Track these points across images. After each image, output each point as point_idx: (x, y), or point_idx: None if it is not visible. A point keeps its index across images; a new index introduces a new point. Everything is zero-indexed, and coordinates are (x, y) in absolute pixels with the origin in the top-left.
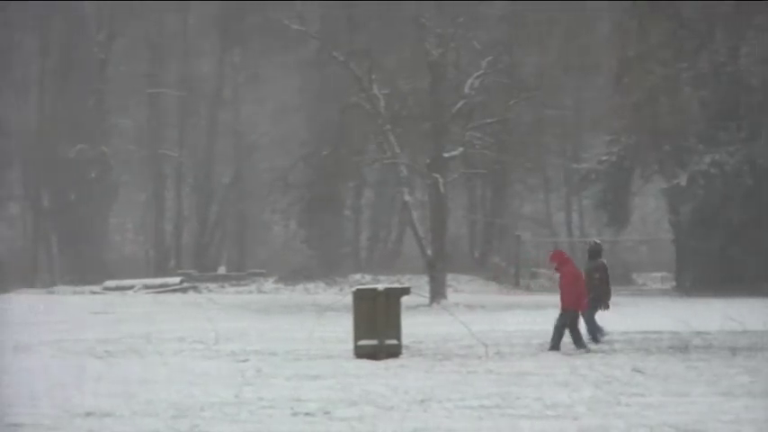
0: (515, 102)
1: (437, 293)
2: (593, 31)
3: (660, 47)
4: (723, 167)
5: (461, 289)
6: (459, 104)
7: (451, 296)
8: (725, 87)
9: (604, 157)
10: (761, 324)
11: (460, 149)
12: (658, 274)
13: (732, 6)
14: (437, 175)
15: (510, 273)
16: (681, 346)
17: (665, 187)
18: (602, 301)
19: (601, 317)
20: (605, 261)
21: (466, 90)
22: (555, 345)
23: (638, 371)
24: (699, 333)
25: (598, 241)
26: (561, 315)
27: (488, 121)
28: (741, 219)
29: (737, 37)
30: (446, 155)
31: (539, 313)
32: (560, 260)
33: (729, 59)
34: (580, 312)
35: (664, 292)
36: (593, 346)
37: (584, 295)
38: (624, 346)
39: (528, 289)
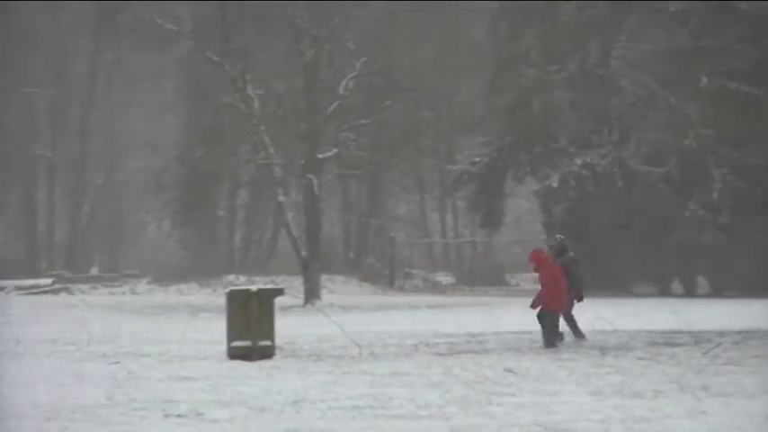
0: (390, 103)
1: (311, 294)
2: (467, 33)
3: (532, 49)
4: (594, 169)
5: (336, 290)
6: (333, 105)
7: (326, 297)
8: (596, 90)
9: (477, 159)
10: (631, 324)
11: (335, 150)
12: (531, 275)
13: (604, 10)
14: (311, 176)
15: (384, 273)
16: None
17: (537, 188)
18: (575, 295)
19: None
20: (573, 254)
21: (340, 91)
22: (551, 342)
23: (510, 370)
24: (569, 333)
25: (562, 236)
26: (541, 315)
27: (363, 121)
28: (612, 220)
29: (609, 40)
30: (320, 156)
31: (413, 314)
32: (538, 261)
33: (601, 62)
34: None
35: (536, 293)
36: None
37: (562, 295)
38: (496, 345)
39: (402, 290)
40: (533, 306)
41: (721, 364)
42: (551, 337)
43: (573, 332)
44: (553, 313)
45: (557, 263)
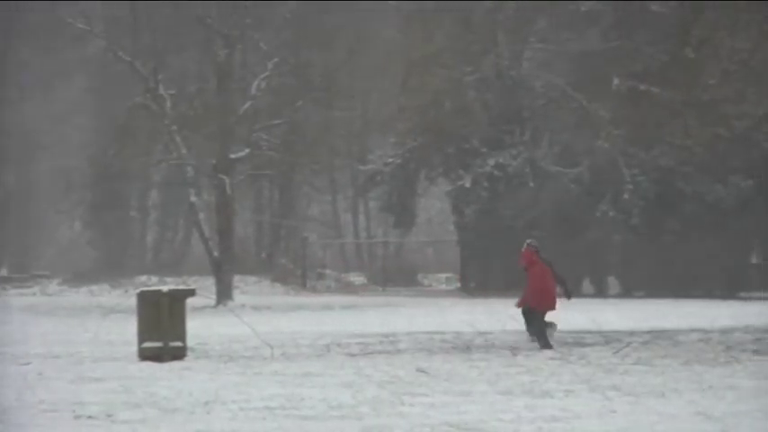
0: (302, 103)
1: (223, 295)
2: (379, 34)
3: (445, 50)
4: (506, 170)
5: (248, 290)
6: (245, 105)
7: (238, 297)
8: (508, 91)
9: (390, 159)
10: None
11: (247, 151)
12: (443, 275)
13: (515, 11)
14: (224, 177)
15: (297, 274)
16: (464, 346)
17: (450, 189)
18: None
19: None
20: (545, 256)
21: (253, 91)
22: (546, 344)
23: (422, 371)
24: (481, 333)
25: (533, 240)
26: (526, 313)
27: (275, 122)
28: (523, 220)
29: (520, 41)
30: (233, 156)
31: (325, 314)
32: (528, 261)
33: (513, 63)
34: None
35: (448, 293)
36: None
37: (550, 295)
38: (409, 346)
39: (315, 290)
40: (519, 305)
41: (631, 364)
42: (543, 338)
43: (531, 333)
44: (536, 312)
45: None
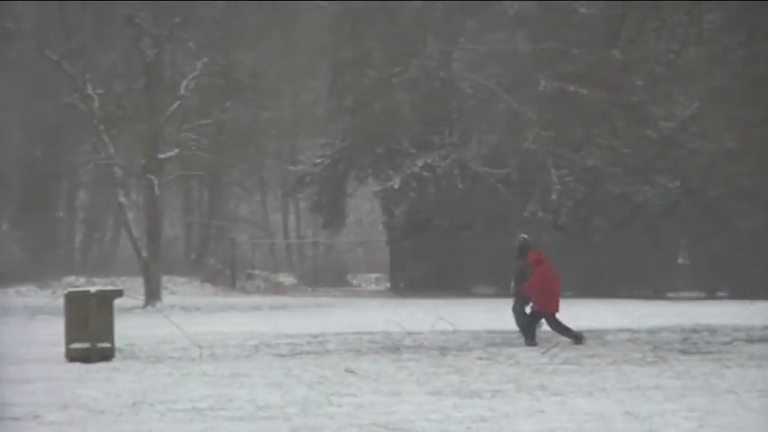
0: (231, 103)
1: (152, 295)
2: (309, 34)
3: (374, 51)
4: (435, 171)
5: (177, 291)
6: (174, 105)
7: (167, 298)
8: (437, 92)
9: (319, 160)
10: (471, 324)
11: (176, 151)
12: (373, 275)
13: (443, 12)
14: (152, 177)
15: (226, 274)
16: (392, 347)
17: (379, 190)
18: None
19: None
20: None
21: (181, 91)
22: (531, 341)
23: (351, 371)
24: (410, 333)
25: (526, 237)
26: (531, 314)
27: (204, 122)
28: (452, 221)
29: (449, 42)
30: (161, 156)
31: (254, 315)
32: (535, 261)
33: (442, 64)
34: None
35: (378, 293)
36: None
37: (554, 297)
38: (337, 346)
39: (244, 290)
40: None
41: (559, 364)
42: (531, 336)
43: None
44: (546, 315)
45: (519, 263)
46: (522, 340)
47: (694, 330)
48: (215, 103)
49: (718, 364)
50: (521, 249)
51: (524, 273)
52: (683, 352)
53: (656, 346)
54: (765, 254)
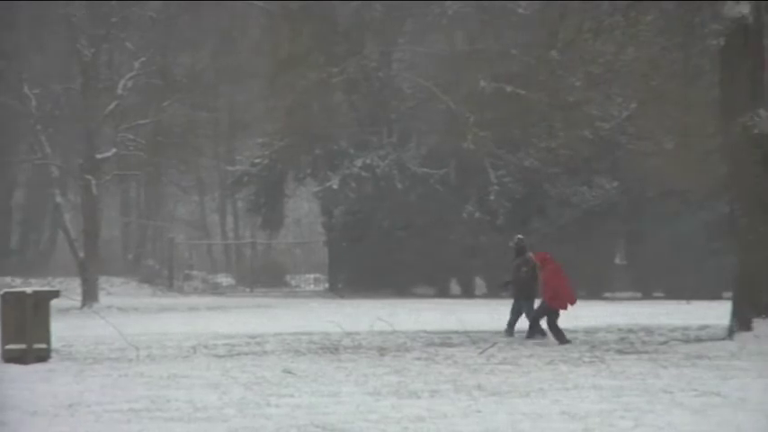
0: (168, 103)
1: (89, 296)
2: (246, 34)
3: (312, 51)
4: (374, 171)
5: (114, 291)
6: (111, 105)
7: (104, 299)
8: (376, 92)
9: (257, 160)
10: (409, 324)
11: (113, 151)
12: (312, 276)
13: (382, 12)
14: (89, 177)
15: (163, 275)
16: (331, 347)
17: (318, 190)
18: (531, 293)
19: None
20: (532, 255)
21: (119, 91)
22: (563, 339)
23: (289, 372)
24: (349, 334)
25: (522, 237)
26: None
27: (142, 122)
28: (391, 221)
29: (389, 43)
30: (99, 156)
31: (192, 316)
32: (541, 261)
33: (381, 65)
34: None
35: (316, 294)
36: (503, 337)
37: (563, 294)
38: (276, 347)
39: (182, 291)
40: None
41: (496, 364)
42: (559, 335)
43: (555, 334)
44: (554, 312)
45: (516, 262)
46: (535, 339)
47: (631, 330)
48: (153, 103)
49: (654, 364)
50: (517, 249)
51: (520, 272)
52: (620, 352)
53: (592, 345)
54: (701, 254)
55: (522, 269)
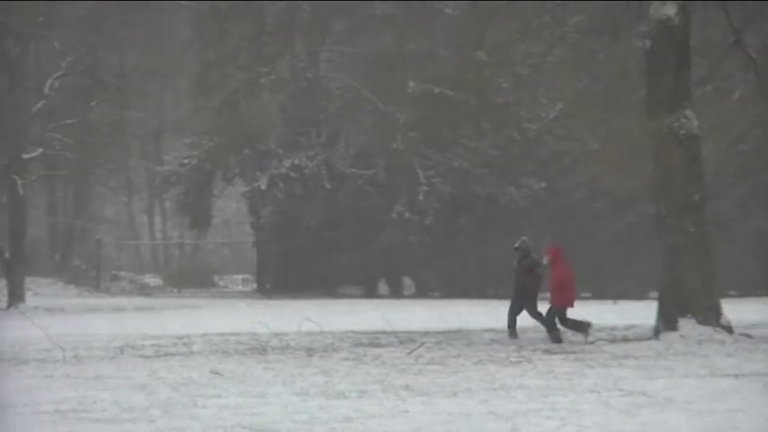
0: (96, 103)
1: (15, 297)
2: (174, 34)
3: (241, 51)
4: (302, 171)
5: (41, 292)
6: (39, 105)
7: (30, 300)
8: (305, 93)
9: (186, 160)
10: (337, 325)
11: (40, 150)
12: (240, 276)
13: (311, 12)
14: (16, 177)
15: (91, 275)
16: (259, 348)
17: (246, 190)
18: (535, 293)
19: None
20: (536, 257)
21: (46, 90)
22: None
23: (216, 372)
24: (277, 334)
25: (526, 238)
26: (549, 310)
27: (69, 121)
28: (320, 222)
29: (318, 43)
30: (25, 156)
31: (119, 316)
32: (553, 256)
33: (309, 65)
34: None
35: (245, 294)
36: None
37: (568, 292)
38: (203, 347)
39: (109, 292)
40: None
41: (424, 364)
42: (581, 325)
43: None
44: (558, 309)
45: (523, 263)
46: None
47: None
48: (80, 103)
49: (580, 364)
50: (522, 251)
51: (531, 272)
52: (547, 352)
53: (519, 345)
54: (628, 254)
55: (533, 269)
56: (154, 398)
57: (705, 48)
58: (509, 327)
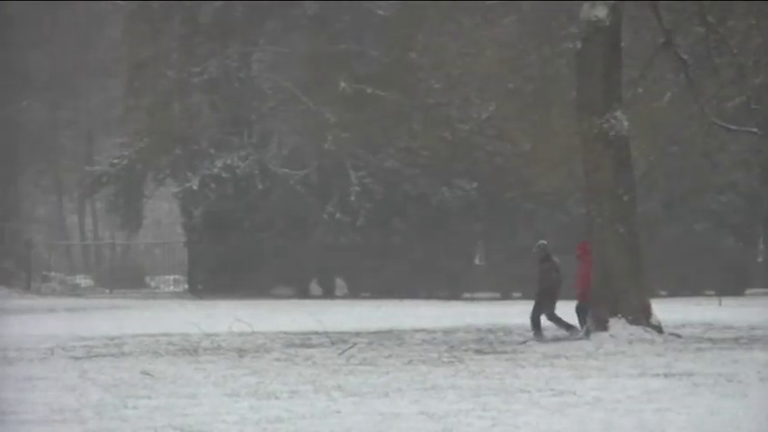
0: (27, 102)
1: None
2: (105, 33)
3: (173, 50)
4: (234, 171)
5: None
6: None
7: None
8: (237, 93)
9: (116, 160)
10: (269, 326)
11: None
12: (171, 277)
13: (243, 12)
14: None
15: (21, 276)
16: (190, 349)
17: (178, 190)
18: (555, 296)
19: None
20: (557, 260)
21: None
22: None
23: (147, 373)
24: (208, 335)
25: (545, 243)
26: (578, 307)
27: None
28: (252, 222)
29: (250, 43)
30: None
31: (49, 317)
32: (581, 251)
33: (242, 65)
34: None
35: (176, 295)
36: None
37: (588, 289)
38: (134, 348)
39: (39, 293)
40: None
41: (356, 365)
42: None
43: (562, 328)
44: (584, 304)
45: (542, 266)
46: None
47: (489, 330)
48: (9, 102)
49: (512, 364)
50: (542, 255)
51: (550, 276)
52: (479, 352)
53: (451, 346)
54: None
55: (552, 274)
56: (84, 399)
57: (636, 49)
58: (534, 328)
